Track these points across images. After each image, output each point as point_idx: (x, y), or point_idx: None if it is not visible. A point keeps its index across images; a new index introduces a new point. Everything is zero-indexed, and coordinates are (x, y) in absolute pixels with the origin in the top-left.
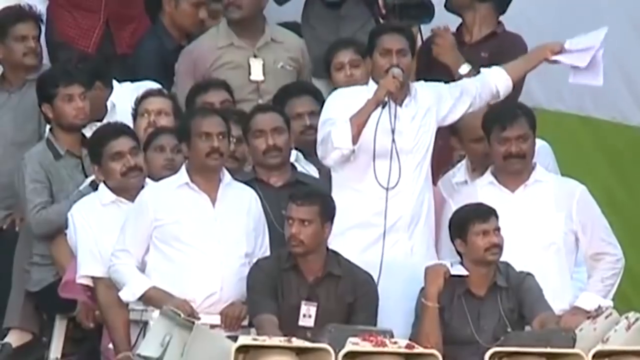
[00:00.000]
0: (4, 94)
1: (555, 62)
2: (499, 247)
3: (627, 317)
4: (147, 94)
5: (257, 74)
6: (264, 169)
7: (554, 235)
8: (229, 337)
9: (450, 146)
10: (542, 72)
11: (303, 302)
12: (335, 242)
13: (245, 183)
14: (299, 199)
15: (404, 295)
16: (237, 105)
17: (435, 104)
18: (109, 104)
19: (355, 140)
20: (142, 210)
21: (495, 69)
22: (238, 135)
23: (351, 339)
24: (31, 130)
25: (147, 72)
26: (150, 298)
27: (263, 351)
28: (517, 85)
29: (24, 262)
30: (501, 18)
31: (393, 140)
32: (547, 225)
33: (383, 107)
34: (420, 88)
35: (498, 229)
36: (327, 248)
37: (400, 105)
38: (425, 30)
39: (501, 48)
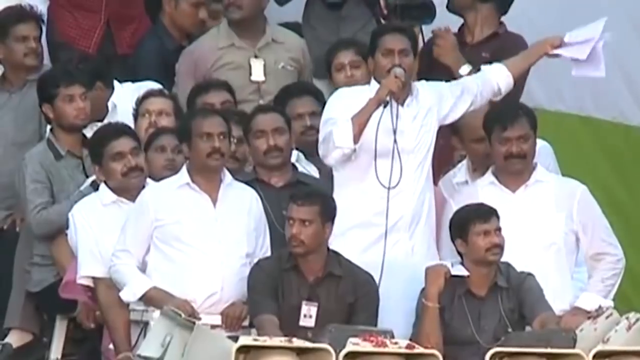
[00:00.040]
0: (5, 94)
1: (555, 55)
2: (499, 247)
3: (627, 318)
4: (148, 94)
5: (258, 74)
6: (265, 169)
7: (555, 236)
8: (229, 337)
9: (451, 146)
10: (543, 72)
11: (304, 303)
12: (336, 242)
13: (246, 183)
14: (299, 199)
15: (404, 295)
16: (238, 105)
17: (437, 103)
18: (109, 104)
19: (356, 139)
20: (143, 211)
21: (496, 66)
22: (239, 135)
23: (352, 339)
24: (32, 130)
25: (147, 72)
26: (151, 298)
27: (264, 351)
28: (519, 83)
29: (25, 263)
30: (503, 19)
31: (395, 140)
32: (547, 226)
33: (384, 107)
34: (422, 88)
35: (499, 229)
36: (328, 248)
37: (402, 105)
38: (427, 31)
39: (503, 48)
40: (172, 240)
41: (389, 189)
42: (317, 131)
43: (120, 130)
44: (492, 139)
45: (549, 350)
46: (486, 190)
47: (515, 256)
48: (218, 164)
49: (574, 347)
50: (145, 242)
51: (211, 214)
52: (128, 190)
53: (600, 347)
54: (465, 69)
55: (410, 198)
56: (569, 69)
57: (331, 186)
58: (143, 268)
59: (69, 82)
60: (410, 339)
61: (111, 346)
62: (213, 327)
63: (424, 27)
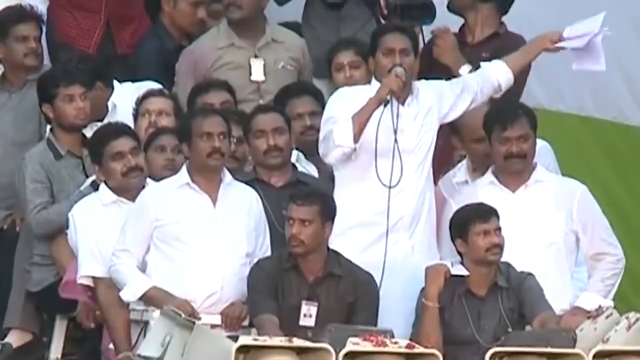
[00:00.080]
0: (5, 94)
1: (555, 50)
2: (499, 247)
3: (627, 317)
4: (148, 94)
5: (257, 74)
6: (265, 169)
7: (555, 235)
8: (229, 337)
9: (451, 146)
10: (543, 72)
11: (304, 302)
12: (336, 242)
13: (246, 183)
14: (299, 199)
15: (404, 295)
16: (238, 105)
17: (437, 102)
18: (109, 104)
19: (356, 138)
20: (143, 210)
21: (496, 63)
22: (239, 135)
23: (352, 339)
24: (32, 130)
25: (147, 72)
26: (151, 298)
27: (264, 351)
28: (519, 80)
29: (25, 262)
30: (503, 19)
31: (395, 140)
32: (547, 225)
33: (385, 106)
34: (422, 87)
35: (499, 229)
36: (328, 248)
37: (403, 104)
38: (427, 31)
39: (503, 48)
40: (172, 240)
41: (389, 188)
42: (317, 131)
43: (120, 130)
44: (492, 139)
45: (549, 350)
46: (486, 190)
47: (515, 256)
48: (218, 163)
49: (574, 346)
50: (145, 242)
51: (211, 214)
52: (128, 190)
53: (600, 347)
54: (465, 69)
55: (411, 197)
56: (569, 69)
57: (331, 186)
58: (143, 268)
59: (69, 82)
60: (410, 339)
61: (111, 346)
62: (213, 327)
63: (424, 27)
